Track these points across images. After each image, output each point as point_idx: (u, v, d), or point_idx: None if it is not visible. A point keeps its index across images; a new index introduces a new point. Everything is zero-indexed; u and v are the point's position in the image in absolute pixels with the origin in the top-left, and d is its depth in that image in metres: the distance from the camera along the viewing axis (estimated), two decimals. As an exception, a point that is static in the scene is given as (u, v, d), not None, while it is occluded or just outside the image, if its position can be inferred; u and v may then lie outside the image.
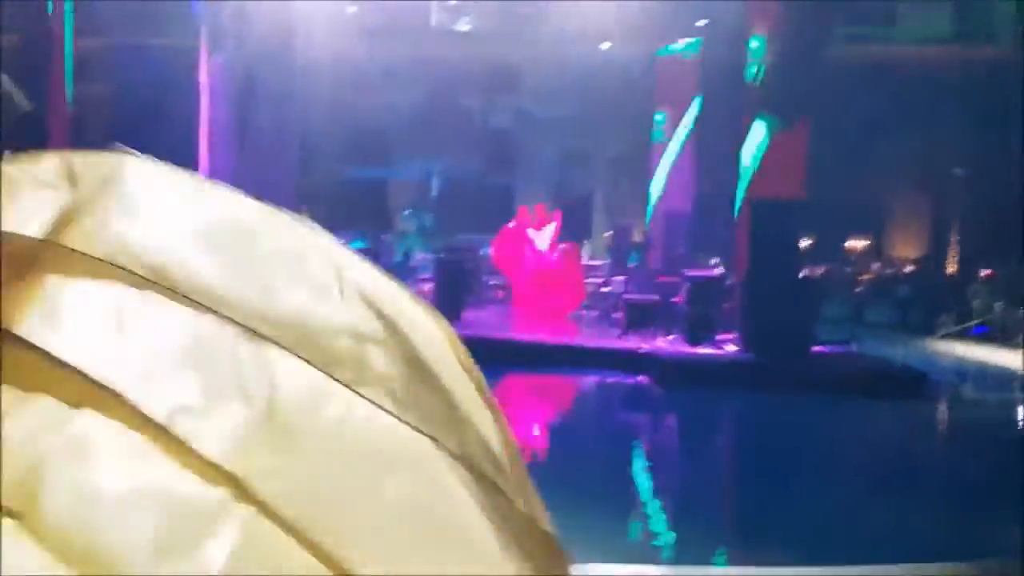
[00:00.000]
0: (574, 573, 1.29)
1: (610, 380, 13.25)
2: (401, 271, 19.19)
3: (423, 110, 20.51)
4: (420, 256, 19.22)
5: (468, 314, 15.36)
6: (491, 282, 17.70)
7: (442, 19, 19.99)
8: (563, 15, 17.76)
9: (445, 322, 1.29)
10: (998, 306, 16.82)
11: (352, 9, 19.04)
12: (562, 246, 16.54)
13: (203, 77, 17.62)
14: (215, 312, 1.22)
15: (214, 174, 17.93)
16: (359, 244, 18.27)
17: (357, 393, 1.19)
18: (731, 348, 13.28)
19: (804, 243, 16.47)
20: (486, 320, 15.60)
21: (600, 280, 17.29)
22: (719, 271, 15.23)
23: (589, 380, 13.46)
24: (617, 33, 18.72)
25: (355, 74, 19.03)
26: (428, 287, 16.39)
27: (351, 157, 21.05)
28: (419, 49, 19.43)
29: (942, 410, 12.98)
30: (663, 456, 10.55)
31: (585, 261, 18.04)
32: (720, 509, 8.34)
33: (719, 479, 9.61)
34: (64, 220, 1.21)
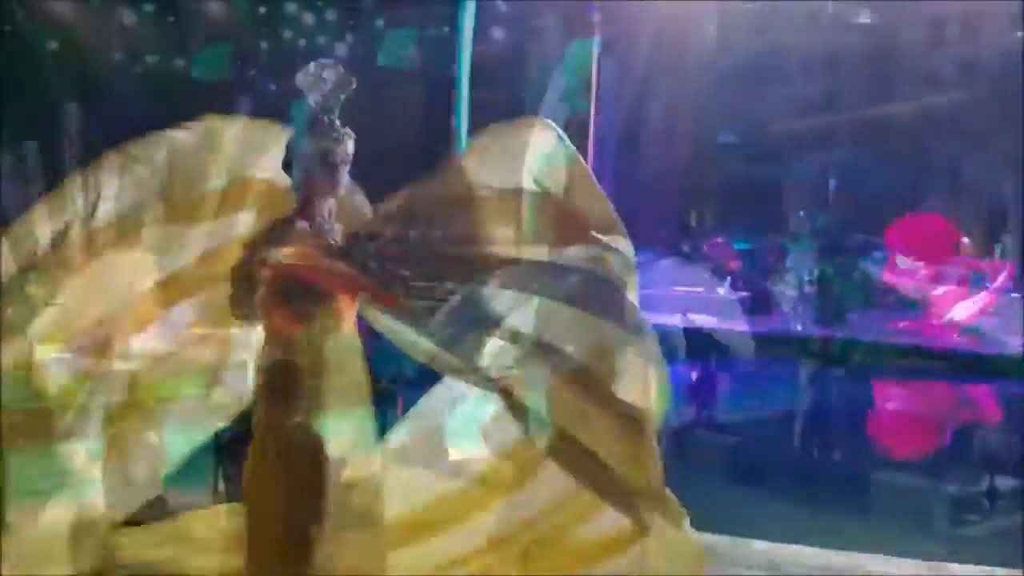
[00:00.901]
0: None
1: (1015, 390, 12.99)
2: (785, 273, 19.60)
3: (821, 106, 20.70)
4: (808, 256, 19.47)
5: (853, 316, 15.63)
6: (882, 284, 17.63)
7: (841, 10, 20.11)
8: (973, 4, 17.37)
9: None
10: None
11: (749, 6, 19.71)
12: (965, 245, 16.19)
13: (594, 78, 19.08)
14: None
15: (597, 174, 19.35)
16: (742, 245, 18.97)
17: None
18: None
19: None
20: (872, 323, 15.72)
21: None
22: None
23: (979, 389, 13.26)
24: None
25: (749, 70, 19.62)
26: (811, 288, 16.79)
27: (743, 156, 21.62)
28: (816, 43, 19.69)
29: None
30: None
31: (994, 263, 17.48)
32: None
33: None
34: None
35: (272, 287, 3.60)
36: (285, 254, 3.49)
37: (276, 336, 3.88)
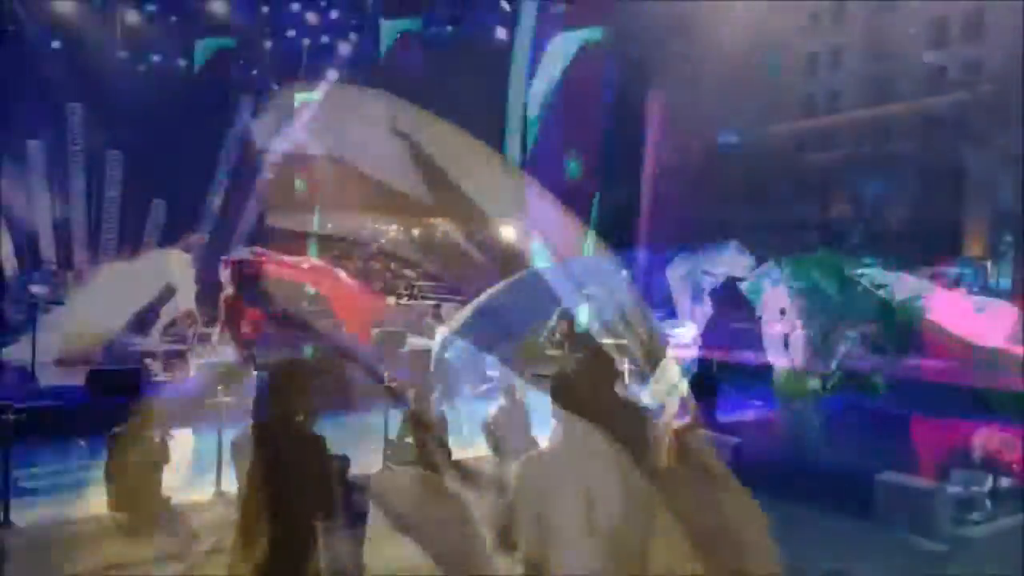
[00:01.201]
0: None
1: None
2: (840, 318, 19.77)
3: (868, 140, 21.00)
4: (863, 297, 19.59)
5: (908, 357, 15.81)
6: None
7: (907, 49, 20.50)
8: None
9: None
10: None
11: (807, 46, 20.09)
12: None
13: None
14: None
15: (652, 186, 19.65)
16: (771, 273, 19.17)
17: None
18: None
19: None
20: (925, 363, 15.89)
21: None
22: None
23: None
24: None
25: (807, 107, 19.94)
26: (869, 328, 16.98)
27: (788, 186, 21.92)
28: (871, 76, 20.03)
29: None
30: None
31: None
32: None
33: None
34: None
35: (236, 286, 3.80)
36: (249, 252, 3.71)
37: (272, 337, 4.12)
